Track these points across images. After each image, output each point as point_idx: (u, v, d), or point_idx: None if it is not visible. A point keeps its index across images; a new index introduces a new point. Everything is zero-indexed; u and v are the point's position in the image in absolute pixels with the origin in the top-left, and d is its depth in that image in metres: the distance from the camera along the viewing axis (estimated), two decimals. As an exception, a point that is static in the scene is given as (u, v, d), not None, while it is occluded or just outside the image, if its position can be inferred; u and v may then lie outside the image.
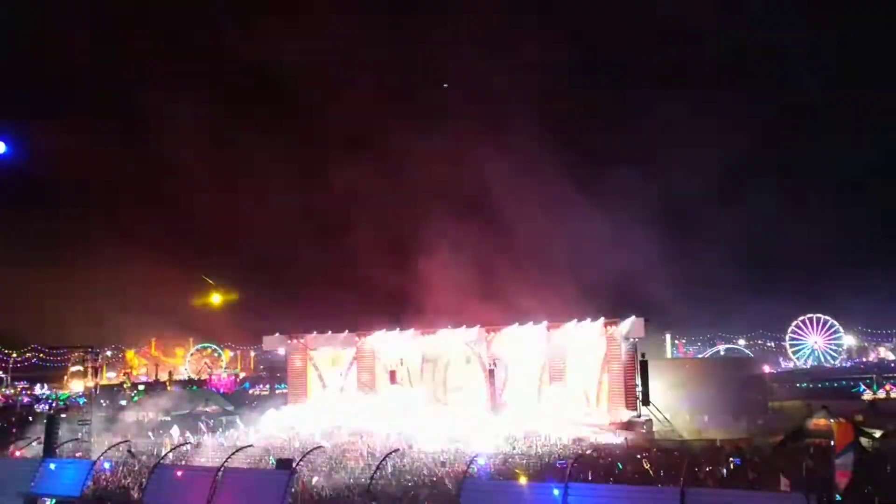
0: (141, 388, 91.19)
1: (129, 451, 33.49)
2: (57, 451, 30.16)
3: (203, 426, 48.84)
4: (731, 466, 30.01)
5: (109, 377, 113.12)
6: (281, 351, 64.35)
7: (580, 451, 35.48)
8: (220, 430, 48.25)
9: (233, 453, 24.31)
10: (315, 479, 29.41)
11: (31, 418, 56.35)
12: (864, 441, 32.00)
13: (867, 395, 69.76)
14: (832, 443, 29.83)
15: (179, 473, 21.33)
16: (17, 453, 35.10)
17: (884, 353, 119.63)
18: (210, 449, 37.45)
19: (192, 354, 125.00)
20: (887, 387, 73.57)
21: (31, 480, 21.46)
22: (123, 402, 76.98)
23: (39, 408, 74.27)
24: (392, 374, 56.08)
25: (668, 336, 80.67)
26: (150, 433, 42.83)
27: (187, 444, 38.90)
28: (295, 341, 60.32)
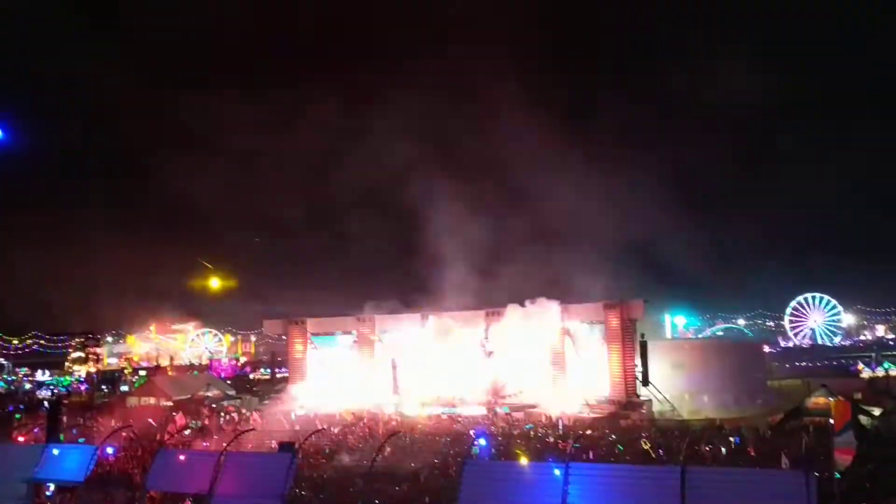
0: (142, 373, 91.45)
1: (132, 435, 33.61)
2: (60, 436, 30.30)
3: (205, 410, 49.05)
4: (731, 445, 30.17)
5: (110, 363, 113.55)
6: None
7: (581, 432, 35.65)
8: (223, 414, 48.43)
9: (235, 437, 24.39)
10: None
11: (22, 406, 56.28)
12: (862, 419, 32.17)
13: (866, 374, 69.96)
14: (831, 421, 29.99)
15: (182, 458, 21.36)
16: (21, 439, 35.23)
17: (882, 331, 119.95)
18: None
19: (191, 340, 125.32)
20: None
21: (34, 466, 21.47)
22: (125, 388, 77.23)
23: (41, 394, 74.46)
24: (393, 361, 56.14)
25: (667, 316, 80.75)
26: (150, 419, 42.91)
27: (189, 428, 39.04)
28: (296, 325, 60.40)
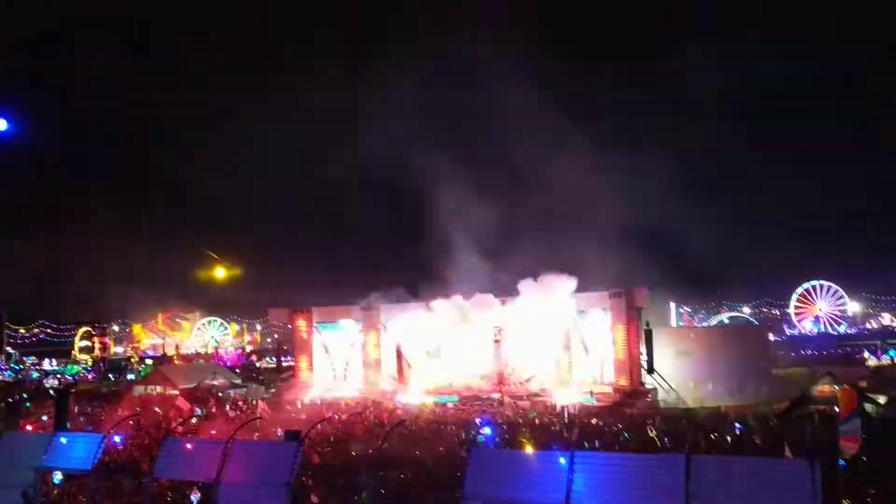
0: (148, 361, 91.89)
1: (138, 423, 33.85)
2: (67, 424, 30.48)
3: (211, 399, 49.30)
4: (736, 433, 30.19)
5: (117, 352, 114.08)
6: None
7: (586, 420, 35.73)
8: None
9: (241, 425, 24.53)
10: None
11: (26, 395, 56.46)
12: (868, 407, 32.17)
13: (871, 362, 69.90)
14: (836, 409, 29.98)
15: (189, 446, 21.43)
16: (28, 427, 35.42)
17: (888, 319, 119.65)
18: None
19: (197, 329, 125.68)
20: None
21: (42, 454, 21.61)
22: (131, 376, 77.63)
23: (48, 382, 74.87)
24: (398, 349, 56.21)
25: (672, 304, 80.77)
26: (157, 407, 43.17)
27: (195, 416, 39.22)
28: (301, 313, 60.47)
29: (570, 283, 51.89)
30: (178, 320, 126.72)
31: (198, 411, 41.78)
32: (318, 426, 28.25)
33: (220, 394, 53.22)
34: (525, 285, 53.06)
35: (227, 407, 45.79)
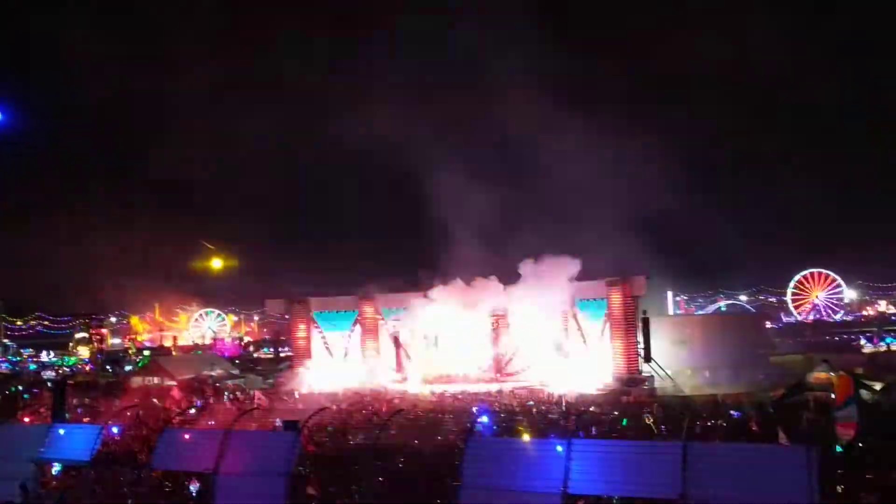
0: (146, 353, 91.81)
1: (136, 414, 33.88)
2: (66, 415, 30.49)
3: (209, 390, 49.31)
4: (733, 420, 30.30)
5: (114, 343, 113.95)
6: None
7: (583, 408, 35.82)
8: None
9: (239, 416, 24.54)
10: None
11: (21, 388, 56.34)
12: (864, 393, 32.27)
13: (867, 349, 70.12)
14: (832, 396, 30.12)
15: (187, 436, 21.49)
16: (27, 419, 35.44)
17: (884, 306, 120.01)
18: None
19: (194, 320, 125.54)
20: None
21: (40, 446, 21.66)
22: (129, 368, 77.58)
23: (46, 374, 74.82)
24: (395, 338, 56.18)
25: (669, 293, 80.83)
26: (154, 399, 43.17)
27: (193, 407, 39.25)
28: (298, 304, 60.44)
29: (573, 264, 51.44)
30: (175, 312, 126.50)
31: (197, 402, 41.83)
32: (317, 416, 28.29)
33: (217, 384, 53.20)
34: (526, 268, 52.72)
35: (225, 397, 45.83)
